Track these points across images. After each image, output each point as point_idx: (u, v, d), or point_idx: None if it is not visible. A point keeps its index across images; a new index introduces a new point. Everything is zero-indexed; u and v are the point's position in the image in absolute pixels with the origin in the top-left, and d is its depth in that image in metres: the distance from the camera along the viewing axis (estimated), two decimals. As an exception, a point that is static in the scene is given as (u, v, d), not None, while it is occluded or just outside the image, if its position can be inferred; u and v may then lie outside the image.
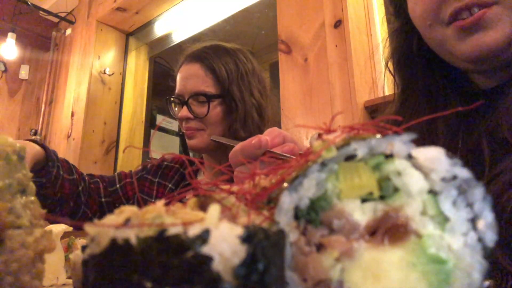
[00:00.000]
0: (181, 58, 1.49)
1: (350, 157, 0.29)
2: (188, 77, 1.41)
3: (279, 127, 1.52)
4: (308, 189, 0.28)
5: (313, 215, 0.28)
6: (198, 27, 3.30)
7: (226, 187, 0.33)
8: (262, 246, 0.22)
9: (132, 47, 3.77)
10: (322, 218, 0.28)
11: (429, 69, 0.83)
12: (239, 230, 0.22)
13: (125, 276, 0.22)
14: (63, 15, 3.97)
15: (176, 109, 1.47)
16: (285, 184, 0.29)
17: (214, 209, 0.24)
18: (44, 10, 3.87)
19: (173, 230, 0.22)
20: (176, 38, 3.51)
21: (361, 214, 0.28)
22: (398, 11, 0.89)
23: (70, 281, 0.79)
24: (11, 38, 3.66)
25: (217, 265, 0.21)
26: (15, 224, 0.35)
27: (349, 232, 0.28)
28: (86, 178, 1.44)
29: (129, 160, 3.52)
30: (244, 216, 0.29)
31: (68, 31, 3.99)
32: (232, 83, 1.38)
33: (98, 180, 1.49)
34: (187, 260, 0.21)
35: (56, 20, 4.07)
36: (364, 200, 0.29)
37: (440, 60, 0.79)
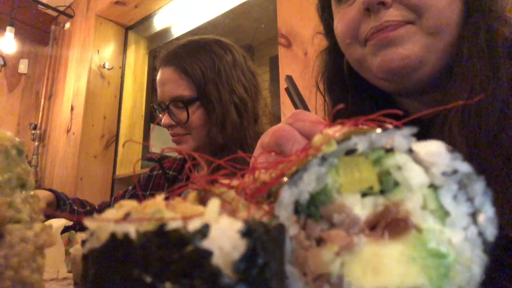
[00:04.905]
0: (156, 62, 1.43)
1: (351, 152, 0.29)
2: (165, 82, 1.36)
3: (279, 121, 1.51)
4: (308, 183, 0.28)
5: (313, 209, 0.28)
6: (198, 21, 3.28)
7: (226, 181, 0.33)
8: (262, 240, 0.22)
9: (132, 41, 3.76)
10: (322, 213, 0.28)
11: (359, 92, 0.83)
12: (239, 225, 0.22)
13: (125, 271, 0.22)
14: (62, 9, 3.95)
15: (161, 116, 1.42)
16: (285, 179, 0.29)
17: (214, 204, 0.24)
18: (42, 4, 3.85)
19: (173, 225, 0.22)
20: (176, 32, 3.49)
21: (361, 209, 0.28)
22: (328, 31, 0.89)
23: (70, 275, 0.80)
24: (10, 32, 3.64)
25: (217, 260, 0.21)
26: (15, 218, 0.35)
27: (349, 226, 0.28)
28: (97, 207, 1.64)
29: (129, 155, 3.52)
30: (244, 210, 0.29)
31: (67, 25, 3.97)
32: (209, 82, 1.31)
33: (103, 208, 1.65)
34: (187, 254, 0.21)
35: (55, 14, 4.05)
36: (364, 195, 0.29)
37: (369, 86, 0.79)
